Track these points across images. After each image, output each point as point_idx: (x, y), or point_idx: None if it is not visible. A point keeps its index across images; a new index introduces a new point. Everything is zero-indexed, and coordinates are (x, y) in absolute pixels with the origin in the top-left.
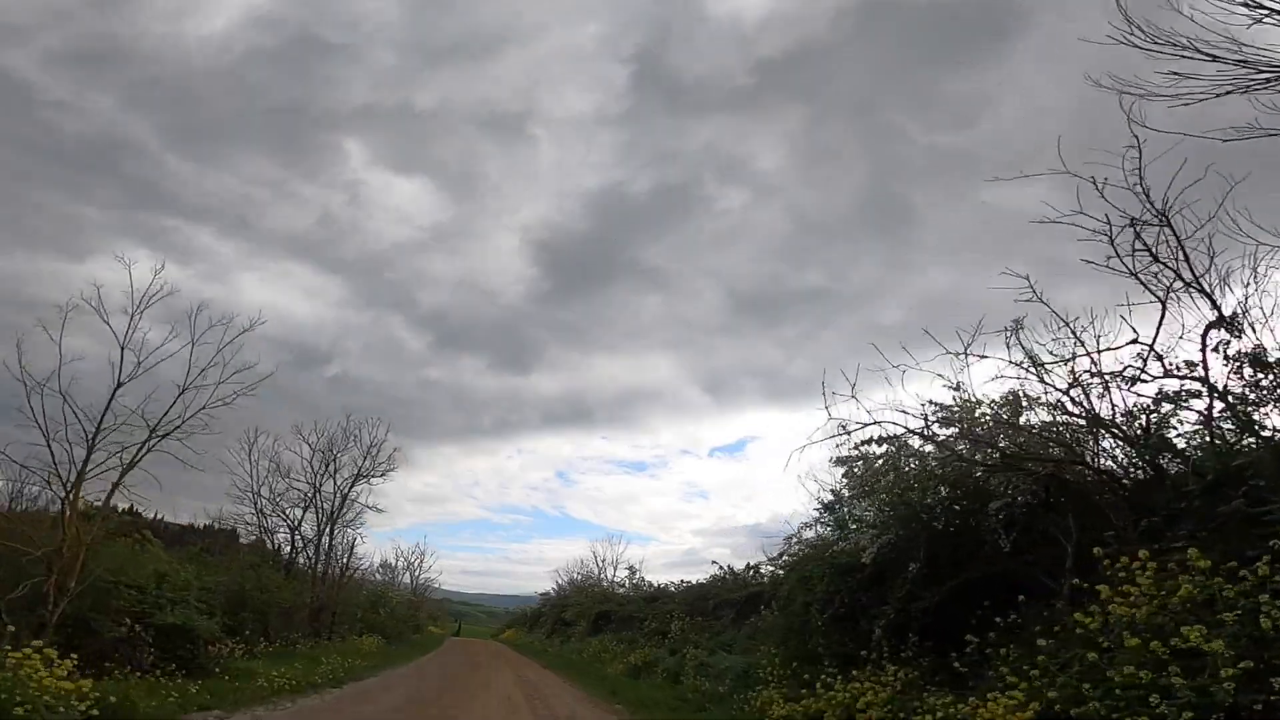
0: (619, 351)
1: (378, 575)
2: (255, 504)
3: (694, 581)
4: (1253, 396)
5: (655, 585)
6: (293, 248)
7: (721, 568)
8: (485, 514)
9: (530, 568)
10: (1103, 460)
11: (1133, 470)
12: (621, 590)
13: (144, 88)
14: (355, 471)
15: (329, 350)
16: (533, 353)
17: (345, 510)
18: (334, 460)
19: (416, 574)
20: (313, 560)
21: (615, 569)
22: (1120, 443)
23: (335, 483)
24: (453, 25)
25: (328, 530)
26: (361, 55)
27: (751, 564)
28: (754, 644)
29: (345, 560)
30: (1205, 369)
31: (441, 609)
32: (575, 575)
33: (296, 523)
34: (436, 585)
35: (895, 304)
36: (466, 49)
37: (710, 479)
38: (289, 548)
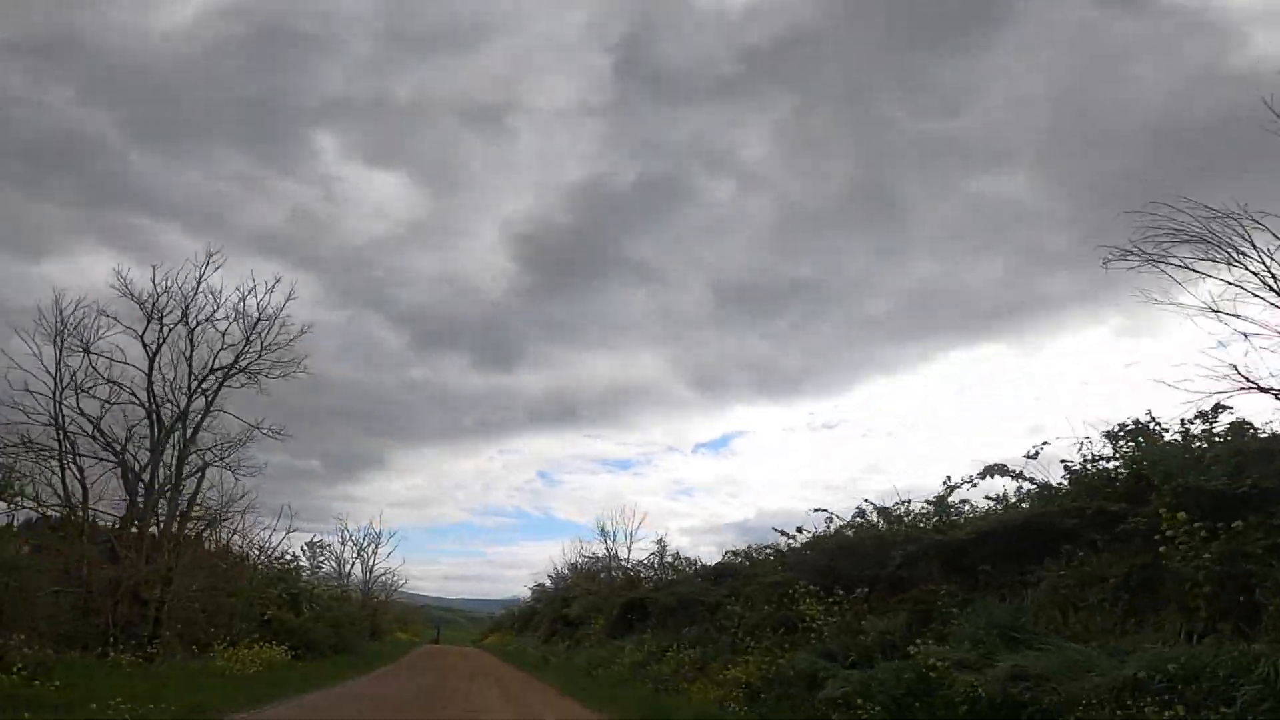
0: (604, 347)
1: (302, 556)
2: (56, 413)
3: (791, 540)
4: None
5: (729, 553)
6: (264, 245)
7: (832, 517)
8: (467, 516)
9: (515, 571)
10: None
11: None
12: (650, 572)
13: (106, 81)
14: (222, 357)
15: (303, 350)
16: (516, 350)
17: (204, 426)
18: (184, 331)
19: (370, 563)
20: (132, 497)
21: (630, 550)
22: None
23: (189, 367)
24: (431, 13)
25: (171, 453)
26: (336, 45)
27: (952, 483)
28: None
29: (187, 505)
30: None
31: (420, 614)
32: (579, 559)
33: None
34: (402, 582)
35: (885, 295)
36: (445, 38)
37: (697, 476)
38: (128, 499)
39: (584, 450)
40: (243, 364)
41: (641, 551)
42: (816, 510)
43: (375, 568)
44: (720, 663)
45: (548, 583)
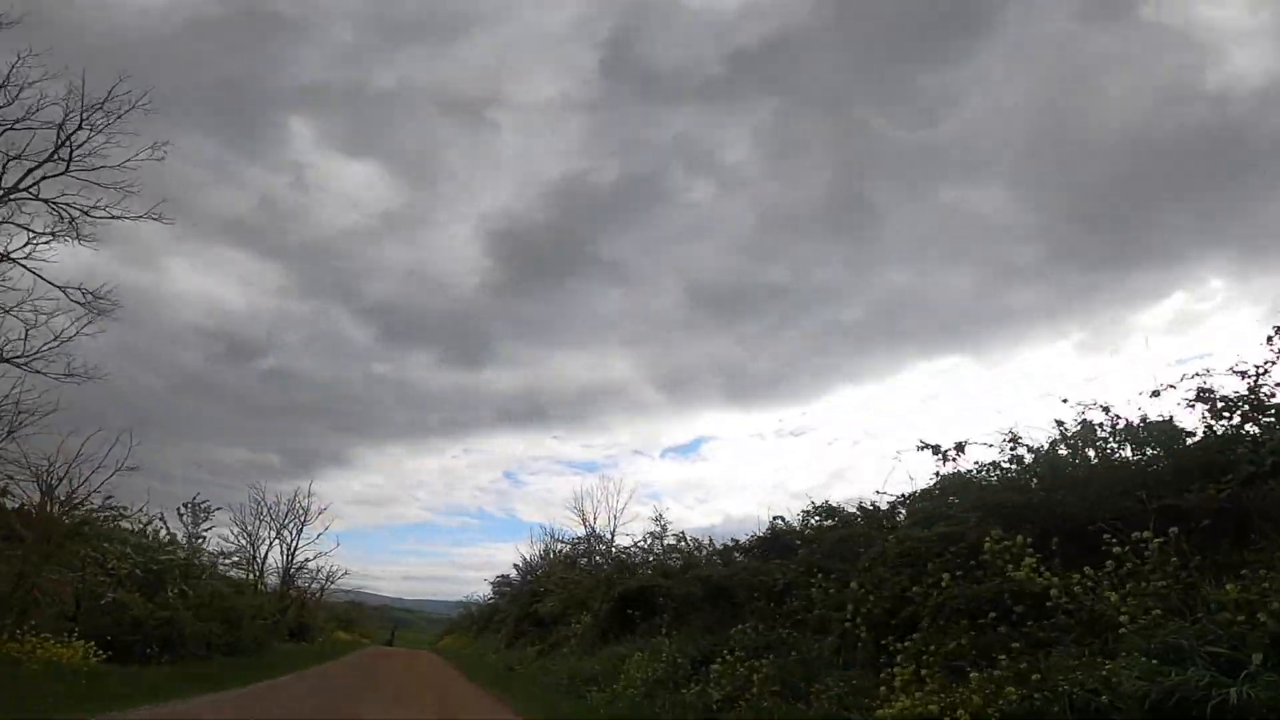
0: (576, 347)
1: (180, 520)
2: None
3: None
4: None
5: (777, 518)
6: (228, 232)
7: (950, 458)
8: (430, 516)
9: (477, 572)
10: None
11: None
12: (651, 557)
13: (72, 59)
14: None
15: (265, 341)
16: (486, 348)
17: None
18: None
19: (293, 545)
20: None
21: (614, 533)
22: None
23: None
24: (415, 2)
25: None
26: (315, 30)
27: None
28: None
29: None
30: None
31: (376, 614)
32: (556, 547)
33: None
34: (341, 573)
35: (856, 303)
36: (429, 28)
37: (664, 480)
38: None
39: (550, 451)
40: (38, 188)
41: (627, 538)
42: (937, 451)
43: (298, 551)
44: (834, 684)
45: (514, 573)
